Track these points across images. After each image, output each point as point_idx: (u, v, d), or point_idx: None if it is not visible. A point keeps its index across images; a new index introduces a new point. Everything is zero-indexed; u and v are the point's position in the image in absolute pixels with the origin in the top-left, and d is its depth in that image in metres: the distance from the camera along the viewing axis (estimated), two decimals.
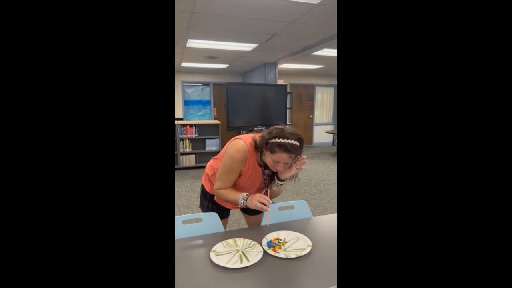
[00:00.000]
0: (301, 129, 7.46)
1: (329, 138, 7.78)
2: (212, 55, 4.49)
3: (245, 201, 1.15)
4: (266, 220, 1.21)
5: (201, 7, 2.37)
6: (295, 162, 1.16)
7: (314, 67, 5.90)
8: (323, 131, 7.54)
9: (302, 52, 4.18)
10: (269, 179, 1.27)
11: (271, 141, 1.08)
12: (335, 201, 3.41)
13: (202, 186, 1.41)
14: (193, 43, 3.64)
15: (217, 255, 0.99)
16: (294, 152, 1.09)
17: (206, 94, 6.88)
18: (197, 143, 5.00)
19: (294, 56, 4.50)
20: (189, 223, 1.19)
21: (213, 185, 1.33)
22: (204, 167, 1.43)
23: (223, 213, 1.36)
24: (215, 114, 6.93)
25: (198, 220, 1.22)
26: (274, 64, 5.35)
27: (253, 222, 1.51)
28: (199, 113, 6.88)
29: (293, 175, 1.21)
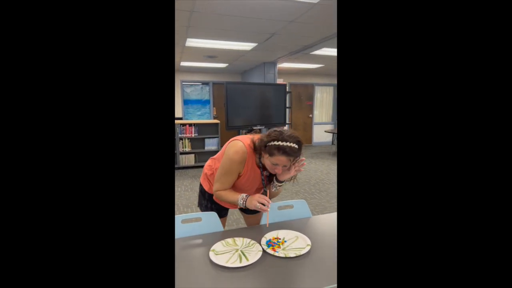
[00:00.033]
0: (300, 129, 7.48)
1: (328, 138, 7.78)
2: (211, 54, 4.49)
3: (244, 202, 1.16)
4: (266, 219, 1.21)
5: (200, 6, 2.37)
6: (294, 164, 1.16)
7: (313, 66, 5.90)
8: (323, 131, 7.54)
9: (302, 52, 4.17)
10: (268, 180, 1.27)
11: (270, 144, 1.08)
12: (334, 200, 3.41)
13: (201, 185, 1.41)
14: (192, 42, 3.63)
15: (216, 254, 0.99)
16: (293, 155, 1.09)
17: (205, 93, 6.87)
18: (197, 143, 5.00)
19: (294, 55, 4.50)
20: (189, 222, 1.19)
21: (212, 184, 1.33)
22: (203, 166, 1.43)
23: (222, 212, 1.36)
24: (215, 113, 6.92)
25: (198, 219, 1.22)
26: (274, 64, 5.34)
27: (252, 221, 1.52)
28: (199, 113, 6.88)
29: (292, 176, 1.21)
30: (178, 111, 6.60)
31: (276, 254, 1.00)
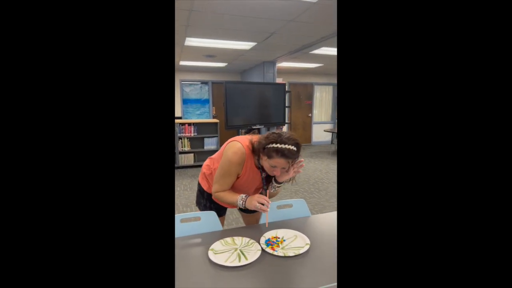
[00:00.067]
0: (299, 128, 7.49)
1: (327, 137, 7.79)
2: (210, 54, 4.48)
3: (244, 203, 1.16)
4: (265, 219, 1.21)
5: (199, 5, 2.36)
6: (292, 166, 1.16)
7: (313, 65, 5.90)
8: (322, 130, 7.54)
9: (301, 51, 4.17)
10: (267, 181, 1.27)
11: (268, 146, 1.08)
12: (333, 199, 3.42)
13: (199, 184, 1.41)
14: (191, 41, 3.63)
15: (215, 253, 0.99)
16: (291, 157, 1.09)
17: (204, 92, 6.86)
18: (196, 142, 5.00)
19: (293, 54, 4.49)
20: (188, 221, 1.19)
21: (210, 184, 1.33)
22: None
23: (221, 211, 1.36)
24: (214, 112, 6.92)
25: (197, 218, 1.22)
26: (273, 63, 5.34)
27: (251, 221, 1.52)
28: (198, 112, 6.87)
29: (291, 177, 1.21)
30: (177, 111, 6.60)
31: (275, 253, 1.00)
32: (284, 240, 1.09)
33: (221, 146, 1.34)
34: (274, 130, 1.16)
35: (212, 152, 4.61)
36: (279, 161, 1.08)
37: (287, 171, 1.17)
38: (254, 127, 4.80)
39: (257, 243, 1.06)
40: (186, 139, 4.88)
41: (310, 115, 7.62)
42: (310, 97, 7.53)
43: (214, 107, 6.93)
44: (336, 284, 0.83)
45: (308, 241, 1.08)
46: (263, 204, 1.11)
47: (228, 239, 1.09)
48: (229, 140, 1.24)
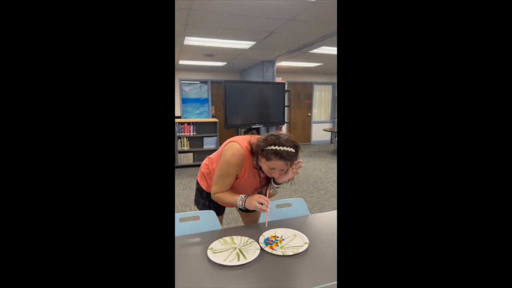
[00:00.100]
0: (299, 127, 7.49)
1: (327, 136, 7.79)
2: (209, 53, 4.48)
3: (243, 203, 1.16)
4: (265, 218, 1.21)
5: (198, 4, 2.36)
6: (291, 166, 1.16)
7: (312, 65, 5.90)
8: (321, 129, 7.54)
9: (300, 50, 4.17)
10: (266, 181, 1.27)
11: (267, 148, 1.08)
12: (332, 199, 3.42)
13: (198, 183, 1.41)
14: (190, 40, 3.62)
15: (214, 252, 0.99)
16: (290, 159, 1.09)
17: (204, 92, 6.86)
18: (195, 141, 5.00)
19: (292, 54, 4.49)
20: (187, 220, 1.19)
21: (209, 183, 1.33)
22: None
23: (219, 210, 1.37)
24: (213, 112, 6.92)
25: (196, 218, 1.22)
26: (272, 62, 5.34)
27: (250, 220, 1.52)
28: (197, 111, 6.87)
29: (289, 178, 1.21)
30: (177, 110, 6.59)
31: (274, 252, 1.00)
32: (283, 239, 1.09)
33: (220, 145, 1.34)
34: (273, 131, 1.15)
35: (211, 151, 4.60)
36: (278, 163, 1.09)
37: (285, 173, 1.17)
38: (253, 126, 4.80)
39: (256, 242, 1.06)
40: (185, 139, 4.88)
41: (309, 114, 7.62)
42: (309, 96, 7.53)
43: (213, 107, 6.92)
44: (334, 283, 0.83)
45: (307, 240, 1.08)
46: (262, 204, 1.11)
47: (227, 238, 1.09)
48: (227, 141, 1.24)
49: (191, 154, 4.96)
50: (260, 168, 1.19)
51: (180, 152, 4.86)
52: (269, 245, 1.04)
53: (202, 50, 4.22)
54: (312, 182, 4.14)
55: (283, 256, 0.98)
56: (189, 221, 1.20)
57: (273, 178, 1.22)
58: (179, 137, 4.82)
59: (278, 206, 1.34)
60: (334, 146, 7.10)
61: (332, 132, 7.01)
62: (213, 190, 1.24)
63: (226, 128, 4.46)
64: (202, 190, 1.37)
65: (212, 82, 6.80)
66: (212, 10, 2.51)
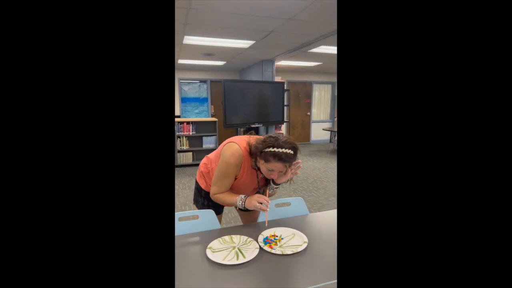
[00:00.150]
0: (298, 126, 7.49)
1: (326, 136, 7.79)
2: (209, 52, 4.47)
3: (243, 203, 1.16)
4: (264, 217, 1.21)
5: (197, 3, 2.36)
6: (290, 167, 1.16)
7: (311, 64, 5.90)
8: (321, 129, 7.55)
9: (300, 49, 4.17)
10: (264, 182, 1.27)
11: (265, 150, 1.08)
12: (332, 198, 3.42)
13: (197, 183, 1.41)
14: (190, 40, 3.62)
15: (213, 251, 0.99)
16: (289, 161, 1.09)
17: (203, 91, 6.85)
18: (194, 141, 4.99)
19: (292, 53, 4.49)
20: (186, 220, 1.20)
21: (208, 182, 1.33)
22: None
23: (218, 209, 1.37)
24: (212, 111, 6.91)
25: (195, 217, 1.22)
26: (272, 61, 5.33)
27: (249, 219, 1.52)
28: (196, 111, 6.86)
29: (288, 179, 1.21)
30: (176, 109, 6.58)
31: (273, 251, 1.00)
32: (282, 238, 1.10)
33: (219, 144, 1.33)
34: (272, 132, 1.15)
35: (211, 150, 4.59)
36: (277, 165, 1.09)
37: (284, 174, 1.17)
38: (252, 125, 4.80)
39: (255, 242, 1.06)
40: (184, 138, 4.88)
41: (308, 113, 7.62)
42: (309, 95, 7.53)
43: (212, 106, 6.92)
44: (333, 282, 0.83)
45: (306, 239, 1.08)
46: (262, 204, 1.11)
47: (226, 238, 1.10)
48: (226, 141, 1.23)
49: (190, 153, 4.96)
50: (259, 169, 1.19)
51: (179, 151, 4.86)
52: (268, 244, 1.04)
53: (201, 49, 4.22)
54: (311, 181, 4.15)
55: (282, 255, 0.98)
56: (188, 220, 1.20)
57: (272, 179, 1.22)
58: (179, 137, 4.82)
59: (277, 205, 1.34)
60: (333, 146, 7.10)
61: (331, 131, 7.02)
62: (212, 190, 1.24)
63: (226, 127, 4.46)
64: (201, 189, 1.38)
65: (212, 81, 6.79)
66: (211, 10, 2.51)
